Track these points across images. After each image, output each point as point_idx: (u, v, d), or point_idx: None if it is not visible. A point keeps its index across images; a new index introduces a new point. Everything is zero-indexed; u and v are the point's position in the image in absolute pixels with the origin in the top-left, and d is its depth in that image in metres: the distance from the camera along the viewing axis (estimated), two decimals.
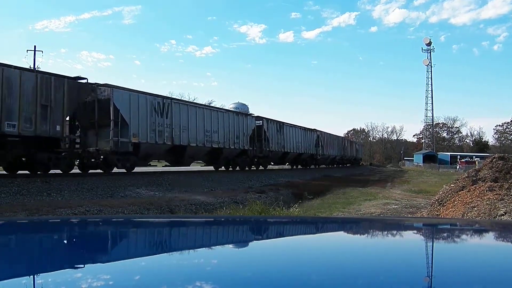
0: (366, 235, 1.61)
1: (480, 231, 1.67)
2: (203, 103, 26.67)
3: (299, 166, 33.48)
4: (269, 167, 28.45)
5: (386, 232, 1.60)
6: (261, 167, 26.45)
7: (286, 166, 32.27)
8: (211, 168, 22.97)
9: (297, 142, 30.76)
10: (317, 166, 36.41)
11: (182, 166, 20.25)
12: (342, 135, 66.62)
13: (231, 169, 23.58)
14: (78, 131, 15.59)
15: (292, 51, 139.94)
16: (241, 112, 26.36)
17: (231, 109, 25.99)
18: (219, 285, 0.83)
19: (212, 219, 2.48)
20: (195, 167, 24.87)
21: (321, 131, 36.29)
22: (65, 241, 1.38)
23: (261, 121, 25.63)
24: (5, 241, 1.32)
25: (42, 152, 13.28)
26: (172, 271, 0.95)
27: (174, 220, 2.11)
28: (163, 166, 22.74)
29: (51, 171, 13.92)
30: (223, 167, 23.35)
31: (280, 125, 28.22)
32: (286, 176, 24.34)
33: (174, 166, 20.28)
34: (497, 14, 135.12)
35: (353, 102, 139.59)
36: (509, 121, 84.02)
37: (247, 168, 24.59)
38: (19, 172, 13.61)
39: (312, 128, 34.65)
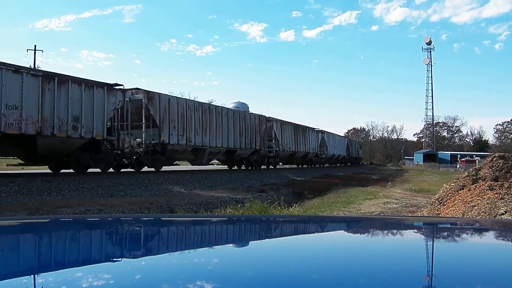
0: (366, 234, 1.61)
1: (480, 230, 1.67)
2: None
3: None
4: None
5: (386, 231, 1.60)
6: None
7: None
8: None
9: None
10: None
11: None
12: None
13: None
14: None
15: (293, 50, 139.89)
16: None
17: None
18: (220, 284, 0.83)
19: (213, 219, 2.48)
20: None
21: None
22: (66, 241, 1.38)
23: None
24: (6, 240, 1.32)
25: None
26: (172, 271, 0.95)
27: (174, 220, 2.11)
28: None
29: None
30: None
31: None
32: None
33: None
34: (498, 13, 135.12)
35: (354, 101, 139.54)
36: (509, 120, 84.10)
37: None
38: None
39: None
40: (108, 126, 15.40)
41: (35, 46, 38.52)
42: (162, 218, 2.36)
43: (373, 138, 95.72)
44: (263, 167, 27.07)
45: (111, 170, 16.45)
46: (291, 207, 8.60)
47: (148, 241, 1.40)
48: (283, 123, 29.95)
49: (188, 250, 1.25)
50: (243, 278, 0.88)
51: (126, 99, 16.30)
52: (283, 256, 1.11)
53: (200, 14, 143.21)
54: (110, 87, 15.51)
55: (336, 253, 1.16)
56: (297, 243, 1.37)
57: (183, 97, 20.53)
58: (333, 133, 45.09)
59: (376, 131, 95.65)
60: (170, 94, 19.53)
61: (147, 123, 16.92)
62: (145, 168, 17.73)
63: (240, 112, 25.32)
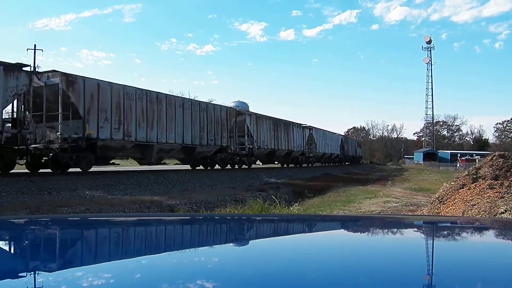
0: (366, 233, 1.61)
1: (480, 229, 1.67)
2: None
3: None
4: None
5: (386, 230, 1.60)
6: None
7: None
8: None
9: None
10: None
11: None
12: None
13: None
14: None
15: (293, 49, 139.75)
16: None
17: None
18: (220, 283, 0.83)
19: (213, 217, 2.49)
20: None
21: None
22: (65, 240, 1.38)
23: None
24: (6, 240, 1.32)
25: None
26: (173, 270, 0.95)
27: (175, 219, 2.11)
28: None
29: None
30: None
31: None
32: None
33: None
34: (499, 12, 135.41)
35: (354, 100, 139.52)
36: (509, 119, 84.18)
37: None
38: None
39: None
40: (14, 116, 12.84)
41: (35, 45, 38.35)
42: (162, 217, 2.37)
43: (373, 137, 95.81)
44: (236, 166, 23.63)
45: (16, 170, 13.51)
46: (291, 206, 8.61)
47: (148, 240, 1.40)
48: (258, 117, 26.06)
49: (188, 249, 1.25)
50: (243, 277, 0.88)
51: (42, 83, 13.33)
52: (283, 255, 1.11)
53: (200, 14, 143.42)
54: (9, 68, 12.13)
55: (336, 252, 1.16)
56: (297, 242, 1.37)
57: (121, 83, 15.97)
58: (323, 130, 40.33)
59: (376, 130, 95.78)
60: (101, 79, 15.20)
61: (65, 113, 13.41)
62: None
63: (201, 103, 21.37)
